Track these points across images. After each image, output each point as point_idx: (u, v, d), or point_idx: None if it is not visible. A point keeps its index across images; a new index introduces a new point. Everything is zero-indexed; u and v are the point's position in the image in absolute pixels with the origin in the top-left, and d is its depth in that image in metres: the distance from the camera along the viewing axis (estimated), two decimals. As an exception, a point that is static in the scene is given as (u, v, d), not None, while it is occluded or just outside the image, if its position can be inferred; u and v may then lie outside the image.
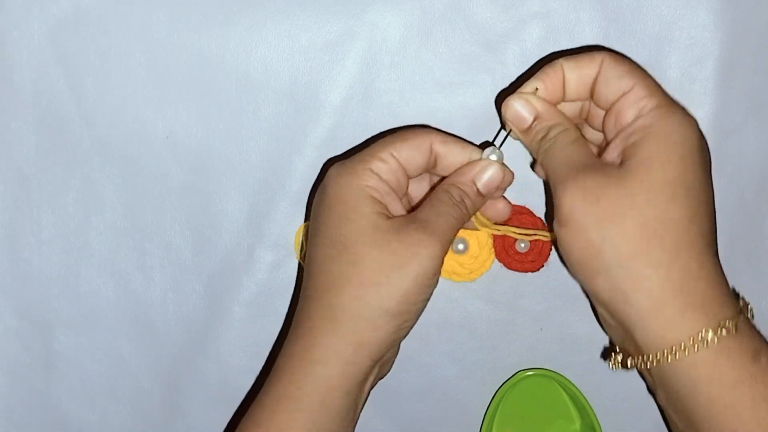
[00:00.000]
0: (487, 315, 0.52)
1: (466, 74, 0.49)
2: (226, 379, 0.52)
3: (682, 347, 0.36)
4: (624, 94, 0.40)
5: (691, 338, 0.36)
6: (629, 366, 0.40)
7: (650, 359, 0.37)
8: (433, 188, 0.45)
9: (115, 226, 0.51)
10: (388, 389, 0.52)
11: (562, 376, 0.51)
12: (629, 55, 0.49)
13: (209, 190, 0.51)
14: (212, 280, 0.52)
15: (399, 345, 0.44)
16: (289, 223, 0.51)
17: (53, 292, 0.52)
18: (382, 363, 0.42)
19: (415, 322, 0.42)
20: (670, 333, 0.36)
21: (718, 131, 0.50)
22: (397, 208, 0.43)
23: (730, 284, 0.51)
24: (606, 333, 0.44)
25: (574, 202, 0.37)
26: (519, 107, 0.41)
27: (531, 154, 0.43)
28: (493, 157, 0.43)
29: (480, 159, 0.43)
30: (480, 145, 0.46)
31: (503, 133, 0.44)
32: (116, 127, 0.50)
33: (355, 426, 0.43)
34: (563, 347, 0.52)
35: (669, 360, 0.36)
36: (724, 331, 0.36)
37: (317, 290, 0.41)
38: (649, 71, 0.49)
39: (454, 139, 0.44)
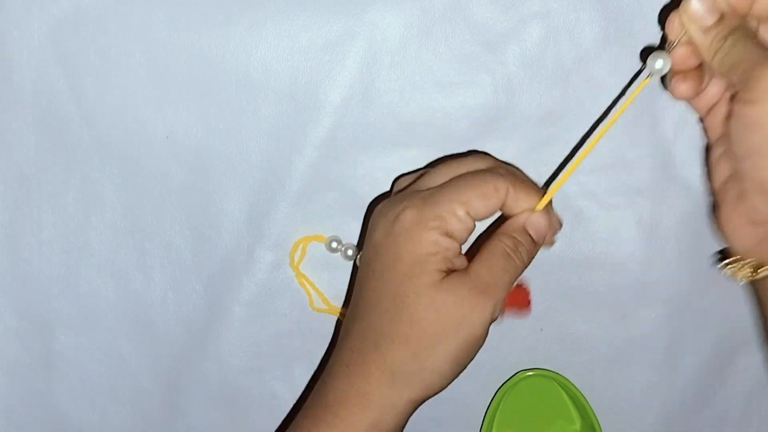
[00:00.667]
0: (487, 315, 0.52)
1: (466, 74, 0.49)
2: (226, 379, 0.52)
3: None
4: None
5: None
6: (764, 273, 0.40)
7: None
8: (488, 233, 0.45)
9: (115, 226, 0.51)
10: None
11: (562, 376, 0.51)
12: (629, 55, 0.49)
13: (209, 190, 0.51)
14: (212, 280, 0.52)
15: None
16: (289, 223, 0.51)
17: (53, 292, 0.52)
18: None
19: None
20: None
21: (719, 131, 0.50)
22: (459, 262, 0.43)
23: (730, 284, 0.51)
24: (731, 241, 0.42)
25: None
26: (703, 5, 0.40)
27: (704, 54, 0.41)
28: (659, 64, 0.42)
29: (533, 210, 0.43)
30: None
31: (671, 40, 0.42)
32: (116, 127, 0.50)
33: None
34: (563, 347, 0.52)
35: None
36: None
37: (375, 339, 0.43)
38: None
39: (527, 182, 0.44)
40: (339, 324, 0.52)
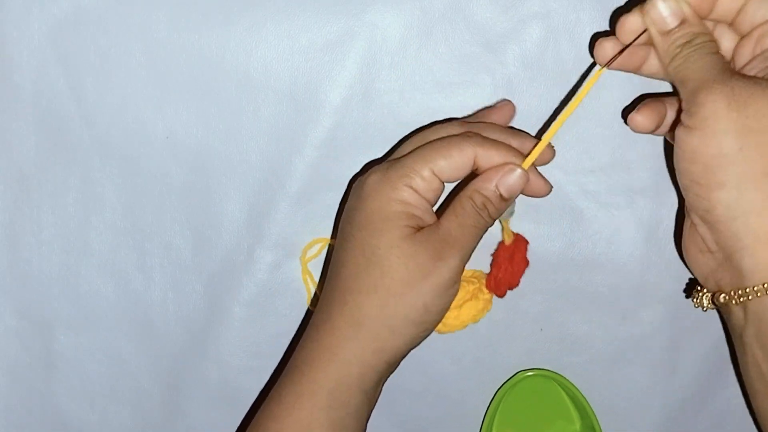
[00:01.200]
0: (487, 315, 0.52)
1: (466, 74, 0.49)
2: (226, 379, 0.52)
3: None
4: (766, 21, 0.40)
5: None
6: (721, 301, 0.39)
7: (753, 291, 0.37)
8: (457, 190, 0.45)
9: (115, 226, 0.51)
10: (388, 389, 0.52)
11: (562, 376, 0.51)
12: (629, 55, 0.49)
13: (209, 190, 0.51)
14: (212, 280, 0.52)
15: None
16: (289, 224, 0.51)
17: (53, 292, 0.52)
18: (396, 366, 0.44)
19: (431, 331, 0.44)
20: None
21: (719, 131, 0.50)
22: (429, 218, 0.43)
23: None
24: (691, 269, 0.42)
25: (717, 106, 0.36)
26: (667, 9, 0.39)
27: (661, 57, 0.41)
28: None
29: (509, 163, 0.43)
30: (536, 134, 0.46)
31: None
32: (116, 127, 0.50)
33: (366, 423, 0.45)
34: (563, 347, 0.52)
35: None
36: None
37: (343, 294, 0.43)
38: (650, 71, 0.49)
39: (496, 144, 0.43)
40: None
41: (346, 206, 0.45)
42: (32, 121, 0.50)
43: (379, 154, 0.50)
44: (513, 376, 0.52)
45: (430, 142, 0.44)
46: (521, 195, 0.44)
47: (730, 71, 0.38)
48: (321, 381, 0.42)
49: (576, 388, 0.51)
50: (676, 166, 0.39)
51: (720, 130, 0.36)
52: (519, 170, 0.42)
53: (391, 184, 0.42)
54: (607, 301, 0.51)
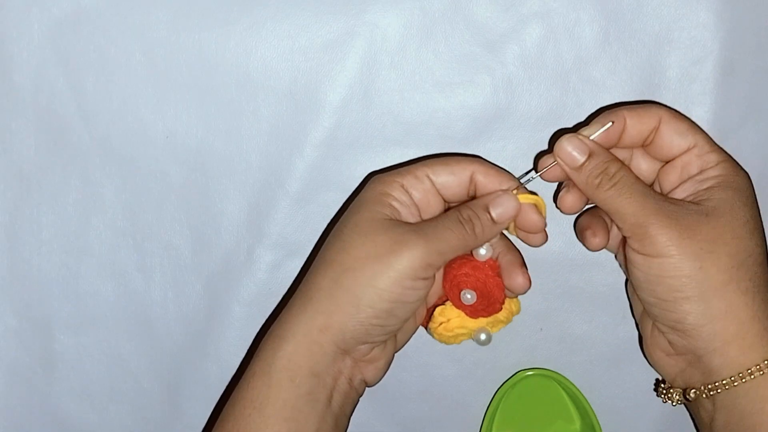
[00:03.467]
0: (487, 315, 0.52)
1: (466, 74, 0.49)
2: (226, 379, 0.52)
3: (759, 368, 0.39)
4: (688, 149, 0.43)
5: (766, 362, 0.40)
6: (692, 397, 0.42)
7: (722, 384, 0.40)
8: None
9: (115, 226, 0.51)
10: (388, 389, 0.52)
11: (562, 376, 0.51)
12: (629, 54, 0.49)
13: (209, 190, 0.51)
14: (212, 280, 0.52)
15: (388, 358, 0.44)
16: (289, 223, 0.51)
17: (53, 292, 0.52)
18: (355, 359, 0.42)
19: (392, 329, 0.42)
20: (750, 356, 0.40)
21: (718, 131, 0.50)
22: (408, 215, 0.43)
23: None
24: (658, 370, 0.45)
25: (670, 236, 0.40)
26: (572, 146, 0.42)
27: (582, 190, 0.43)
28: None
29: (506, 189, 0.43)
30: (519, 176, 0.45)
31: (535, 171, 0.45)
32: (116, 127, 0.50)
33: (339, 427, 0.43)
34: (563, 347, 0.52)
35: (744, 381, 0.40)
36: None
37: (308, 274, 0.43)
38: (649, 71, 0.49)
39: (497, 170, 0.44)
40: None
41: None
42: (32, 121, 0.50)
43: (379, 154, 0.50)
44: (513, 375, 0.52)
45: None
46: (517, 241, 0.45)
47: (663, 199, 0.42)
48: (270, 359, 0.41)
49: (576, 387, 0.51)
50: (637, 287, 0.42)
51: (679, 257, 0.40)
52: (513, 197, 0.43)
53: (382, 180, 0.44)
54: (607, 301, 0.51)
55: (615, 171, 0.42)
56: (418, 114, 0.50)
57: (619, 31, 0.49)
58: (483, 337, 0.45)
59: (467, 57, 0.49)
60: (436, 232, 0.41)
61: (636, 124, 0.43)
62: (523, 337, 0.52)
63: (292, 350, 0.41)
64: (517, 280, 0.44)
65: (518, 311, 0.46)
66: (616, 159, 0.43)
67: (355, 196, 0.45)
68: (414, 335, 0.51)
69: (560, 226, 0.51)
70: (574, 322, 0.52)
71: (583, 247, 0.51)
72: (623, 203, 0.41)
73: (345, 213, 0.44)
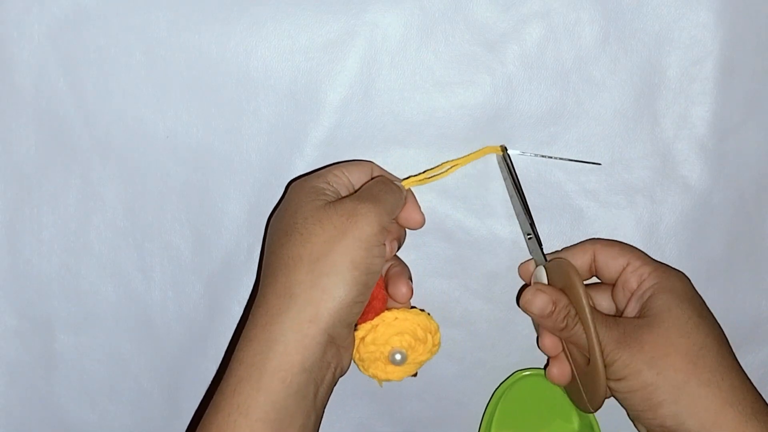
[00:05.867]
0: (487, 315, 0.52)
1: (466, 74, 0.49)
2: (226, 379, 0.52)
3: None
4: (624, 268, 0.47)
5: None
6: None
7: None
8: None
9: (115, 226, 0.51)
10: (388, 389, 0.52)
11: (561, 375, 0.51)
12: (629, 54, 0.49)
13: (209, 190, 0.51)
14: (212, 280, 0.52)
15: (353, 340, 0.45)
16: (289, 223, 0.51)
17: (53, 292, 0.52)
18: (338, 346, 0.43)
19: (363, 304, 0.43)
20: None
21: (718, 131, 0.50)
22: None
23: (730, 283, 0.51)
24: None
25: (623, 358, 0.43)
26: (542, 302, 0.45)
27: (552, 332, 0.47)
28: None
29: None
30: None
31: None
32: (116, 127, 0.50)
33: (318, 419, 0.43)
34: (563, 347, 0.52)
35: None
36: None
37: (274, 275, 0.43)
38: (649, 71, 0.49)
39: (386, 172, 0.49)
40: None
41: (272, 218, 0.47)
42: (32, 121, 0.50)
43: (379, 154, 0.50)
44: (510, 376, 0.52)
45: None
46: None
47: (614, 325, 0.45)
48: (259, 364, 0.41)
49: (576, 387, 0.51)
50: (623, 405, 0.45)
51: (636, 370, 0.43)
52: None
53: (306, 179, 0.46)
54: (607, 301, 0.51)
55: (574, 313, 0.45)
56: (418, 114, 0.50)
57: (619, 30, 0.49)
58: (398, 356, 0.47)
59: (467, 57, 0.49)
60: (376, 195, 0.44)
61: (574, 262, 0.48)
62: (523, 337, 0.52)
63: (283, 349, 0.41)
64: (401, 290, 0.46)
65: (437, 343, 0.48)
66: (580, 302, 0.45)
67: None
68: (414, 335, 0.51)
69: (560, 225, 0.51)
70: (574, 321, 0.52)
71: (583, 247, 0.51)
72: (587, 337, 0.44)
73: (279, 214, 0.45)
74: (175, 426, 0.53)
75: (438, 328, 0.47)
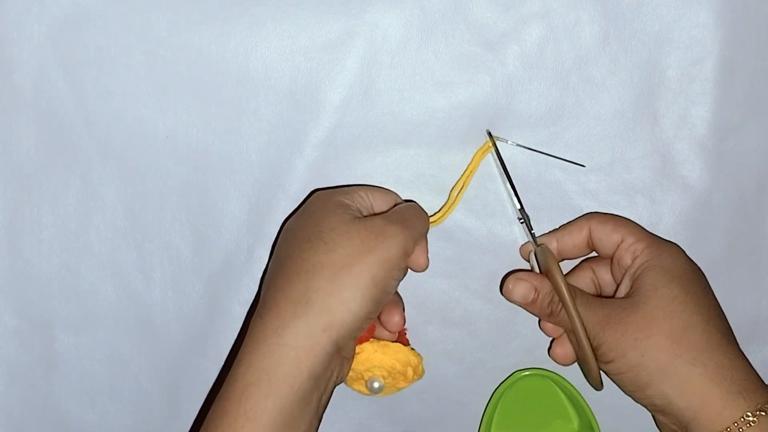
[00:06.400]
0: (487, 315, 0.52)
1: (466, 74, 0.49)
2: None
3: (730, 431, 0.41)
4: (618, 245, 0.48)
5: (736, 423, 0.41)
6: None
7: None
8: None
9: (115, 226, 0.51)
10: (388, 389, 0.52)
11: (559, 375, 0.51)
12: (629, 54, 0.49)
13: (209, 190, 0.51)
14: (212, 280, 0.52)
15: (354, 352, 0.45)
16: (289, 223, 0.51)
17: (53, 292, 0.52)
18: (342, 357, 0.43)
19: (372, 320, 0.43)
20: (719, 421, 0.42)
21: (718, 131, 0.50)
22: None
23: (730, 283, 0.51)
24: None
25: (609, 341, 0.44)
26: (523, 290, 0.46)
27: (544, 318, 0.47)
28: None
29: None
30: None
31: None
32: (116, 127, 0.50)
33: (318, 425, 0.43)
34: (563, 347, 0.52)
35: None
36: (763, 412, 0.41)
37: (289, 279, 0.43)
38: (649, 71, 0.49)
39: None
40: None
41: (288, 221, 0.47)
42: (32, 121, 0.50)
43: (379, 154, 0.50)
44: (510, 376, 0.52)
45: None
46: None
47: (600, 310, 0.45)
48: (268, 368, 0.41)
49: (573, 386, 0.51)
50: (617, 385, 0.46)
51: (621, 352, 0.44)
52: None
53: (331, 192, 0.47)
54: (606, 301, 0.51)
55: (558, 300, 0.46)
56: (418, 114, 0.50)
57: (619, 31, 0.49)
58: (376, 385, 0.47)
59: (467, 57, 0.49)
60: (407, 220, 0.45)
61: (568, 241, 0.49)
62: (523, 337, 0.52)
63: (294, 355, 0.41)
64: (393, 318, 0.47)
65: (419, 372, 0.48)
66: (559, 287, 0.45)
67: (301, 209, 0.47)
68: (413, 335, 0.51)
69: (560, 224, 0.51)
70: (574, 321, 0.52)
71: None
72: (572, 321, 0.45)
73: (300, 221, 0.45)
74: (175, 426, 0.53)
75: (421, 360, 0.48)
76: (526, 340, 0.52)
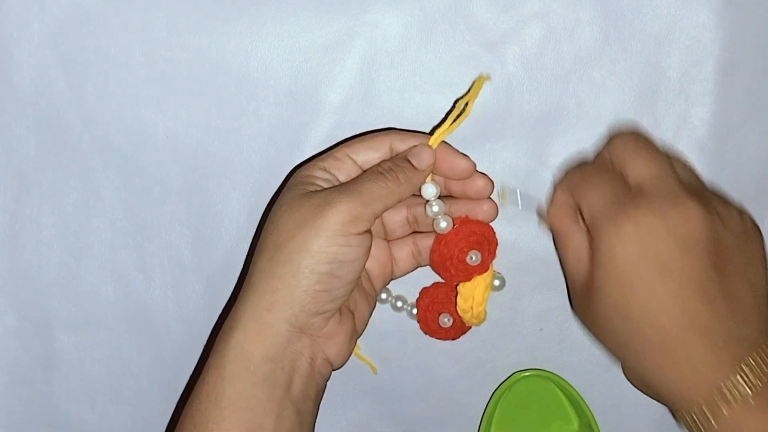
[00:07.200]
0: (487, 315, 0.52)
1: (466, 74, 0.49)
2: (226, 379, 0.52)
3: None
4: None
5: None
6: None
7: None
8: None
9: (115, 227, 0.51)
10: (388, 389, 0.52)
11: (558, 376, 0.51)
12: (629, 55, 0.49)
13: (209, 191, 0.51)
14: (212, 280, 0.52)
15: (348, 333, 0.44)
16: (289, 223, 0.51)
17: (53, 292, 0.52)
18: (312, 336, 0.42)
19: (340, 295, 0.42)
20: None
21: (718, 131, 0.50)
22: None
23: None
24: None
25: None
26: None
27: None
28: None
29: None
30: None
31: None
32: (116, 127, 0.50)
33: (301, 412, 0.42)
34: (563, 347, 0.52)
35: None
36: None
37: (250, 263, 0.43)
38: (649, 72, 0.50)
39: (414, 134, 0.45)
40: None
41: None
42: (32, 121, 0.50)
43: (379, 154, 0.50)
44: (509, 377, 0.52)
45: None
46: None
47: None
48: (222, 351, 0.41)
49: (573, 387, 0.51)
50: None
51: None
52: (428, 146, 0.44)
53: (305, 167, 0.44)
54: (606, 301, 0.51)
55: None
56: (418, 114, 0.50)
57: (619, 31, 0.49)
58: (497, 282, 0.48)
59: (467, 57, 0.49)
60: (358, 186, 0.42)
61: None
62: (523, 337, 0.52)
63: (242, 337, 0.41)
64: (477, 183, 0.45)
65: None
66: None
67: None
68: (413, 335, 0.51)
69: (560, 226, 0.51)
70: (573, 322, 0.52)
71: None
72: None
73: (275, 205, 0.44)
74: (175, 427, 0.53)
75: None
76: (526, 341, 0.52)
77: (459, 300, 0.47)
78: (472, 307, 0.47)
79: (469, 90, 0.46)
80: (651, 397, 0.44)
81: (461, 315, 0.48)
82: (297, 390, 0.41)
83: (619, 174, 0.44)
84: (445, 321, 0.48)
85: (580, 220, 0.45)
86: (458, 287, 0.48)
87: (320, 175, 0.44)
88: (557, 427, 0.52)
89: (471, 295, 0.47)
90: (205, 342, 0.52)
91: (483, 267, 0.47)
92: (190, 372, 0.52)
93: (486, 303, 0.48)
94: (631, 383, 0.45)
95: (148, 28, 0.49)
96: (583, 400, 0.51)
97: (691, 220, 0.41)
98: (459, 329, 0.49)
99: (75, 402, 0.53)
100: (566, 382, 0.51)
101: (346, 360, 0.44)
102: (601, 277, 0.42)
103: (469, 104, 0.45)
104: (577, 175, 0.46)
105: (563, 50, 0.49)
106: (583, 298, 0.44)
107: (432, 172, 0.45)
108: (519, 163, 0.50)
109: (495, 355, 0.52)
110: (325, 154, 0.45)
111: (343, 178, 0.44)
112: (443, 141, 0.45)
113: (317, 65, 0.49)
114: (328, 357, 0.43)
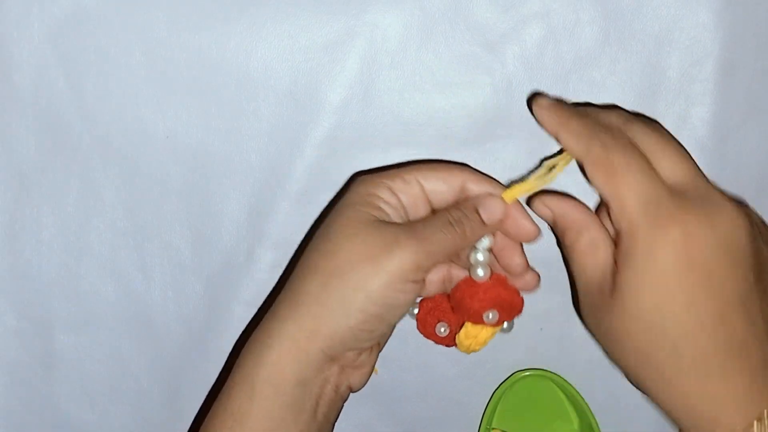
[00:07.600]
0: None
1: (466, 74, 0.49)
2: (226, 379, 0.52)
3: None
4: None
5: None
6: None
7: None
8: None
9: (115, 227, 0.51)
10: (388, 389, 0.52)
11: (559, 376, 0.51)
12: (629, 55, 0.49)
13: (209, 191, 0.51)
14: (212, 280, 0.52)
15: (374, 363, 0.44)
16: (289, 224, 0.51)
17: (53, 292, 0.52)
18: (342, 366, 0.42)
19: (380, 334, 0.42)
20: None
21: (718, 131, 0.50)
22: (396, 218, 0.42)
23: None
24: None
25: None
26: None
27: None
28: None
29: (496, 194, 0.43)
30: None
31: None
32: (116, 127, 0.50)
33: (323, 431, 0.42)
34: (563, 347, 0.52)
35: None
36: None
37: (292, 278, 0.42)
38: (649, 72, 0.50)
39: (488, 179, 0.44)
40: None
41: None
42: (32, 121, 0.50)
43: (379, 154, 0.50)
44: (509, 377, 0.52)
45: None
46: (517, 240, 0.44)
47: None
48: (254, 369, 0.40)
49: (573, 387, 0.51)
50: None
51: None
52: (501, 199, 0.43)
53: (369, 181, 0.43)
54: (606, 301, 0.51)
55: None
56: (418, 114, 0.50)
57: (619, 31, 0.49)
58: (506, 325, 0.46)
59: (467, 57, 0.49)
60: (427, 233, 0.40)
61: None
62: (523, 337, 0.52)
63: (276, 359, 0.40)
64: (513, 261, 0.44)
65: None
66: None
67: (341, 197, 0.44)
68: (413, 335, 0.51)
69: (560, 226, 0.51)
70: (574, 322, 0.52)
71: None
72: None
73: (330, 215, 0.43)
74: (175, 427, 0.53)
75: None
76: (526, 341, 0.52)
77: (461, 333, 0.46)
78: (470, 345, 0.46)
79: (558, 153, 0.44)
80: (658, 410, 0.43)
81: (457, 345, 0.47)
82: (321, 414, 0.41)
83: (650, 166, 0.40)
84: (442, 330, 0.47)
85: (605, 214, 0.41)
86: (466, 322, 0.46)
87: (386, 197, 0.42)
88: (557, 427, 0.52)
89: (475, 335, 0.46)
90: (205, 342, 0.52)
91: (496, 324, 0.46)
92: (190, 372, 0.52)
93: (485, 344, 0.46)
94: (638, 389, 0.43)
95: (148, 28, 0.49)
96: (583, 399, 0.51)
97: (738, 228, 0.38)
98: (453, 339, 0.48)
99: (75, 402, 0.53)
100: (566, 381, 0.51)
101: (366, 384, 0.44)
102: (632, 282, 0.38)
103: (557, 168, 0.42)
104: (604, 156, 0.39)
105: (563, 50, 0.49)
106: (599, 302, 0.40)
107: None
108: (519, 163, 0.50)
109: (495, 355, 0.52)
110: (393, 172, 0.43)
111: (406, 201, 0.42)
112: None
113: (317, 65, 0.49)
114: (351, 384, 0.43)
